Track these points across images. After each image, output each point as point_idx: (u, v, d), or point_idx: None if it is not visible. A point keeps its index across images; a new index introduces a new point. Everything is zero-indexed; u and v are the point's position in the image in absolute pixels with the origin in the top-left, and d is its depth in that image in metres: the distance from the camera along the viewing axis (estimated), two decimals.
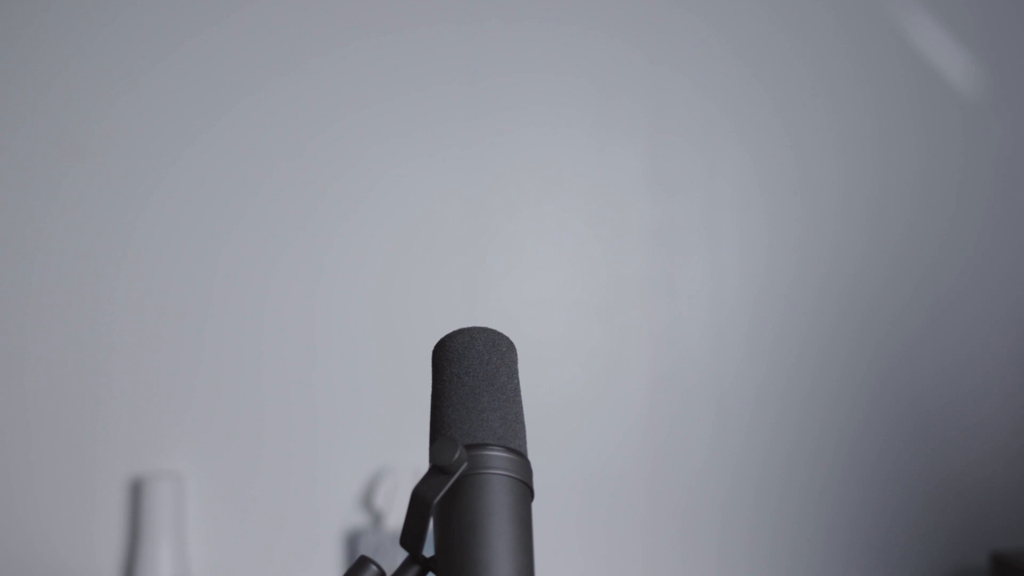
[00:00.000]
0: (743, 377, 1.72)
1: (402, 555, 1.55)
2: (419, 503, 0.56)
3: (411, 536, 0.58)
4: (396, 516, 1.58)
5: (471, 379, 0.62)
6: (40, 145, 1.49)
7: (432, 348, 1.54)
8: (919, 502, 1.78)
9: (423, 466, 1.61)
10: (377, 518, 1.56)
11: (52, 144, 1.49)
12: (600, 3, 1.67)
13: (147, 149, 1.52)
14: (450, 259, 1.62)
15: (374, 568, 0.59)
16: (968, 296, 1.80)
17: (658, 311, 1.68)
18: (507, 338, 0.65)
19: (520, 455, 0.60)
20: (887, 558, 1.77)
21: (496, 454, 0.58)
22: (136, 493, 1.52)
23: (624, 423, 1.67)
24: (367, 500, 1.59)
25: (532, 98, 1.64)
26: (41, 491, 1.49)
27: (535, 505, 1.64)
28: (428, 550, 1.50)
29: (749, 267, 1.72)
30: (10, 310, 1.48)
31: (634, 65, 1.68)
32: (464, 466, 0.58)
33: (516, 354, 0.68)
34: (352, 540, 1.57)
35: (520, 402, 0.64)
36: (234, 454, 1.55)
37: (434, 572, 0.57)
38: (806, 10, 1.74)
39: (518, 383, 0.64)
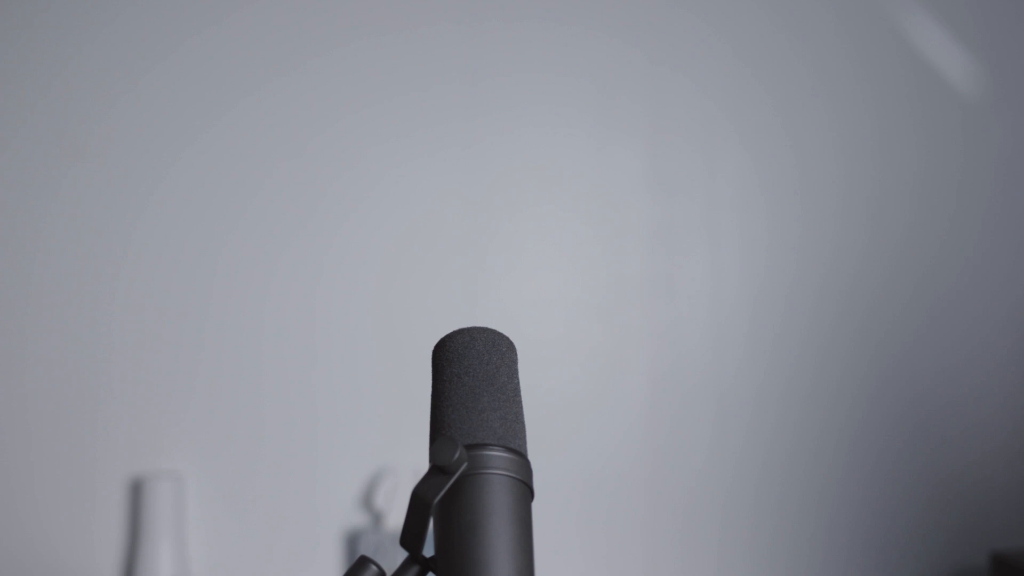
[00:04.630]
0: (743, 377, 1.72)
1: (402, 555, 1.55)
2: (419, 503, 0.56)
3: (411, 536, 0.58)
4: (396, 516, 1.58)
5: (471, 379, 0.62)
6: (40, 145, 1.49)
7: (432, 348, 1.54)
8: (919, 502, 1.78)
9: (423, 466, 1.61)
10: (377, 518, 1.56)
11: (52, 144, 1.49)
12: (600, 3, 1.66)
13: (147, 149, 1.52)
14: (450, 259, 1.62)
15: (374, 568, 0.59)
16: (968, 296, 1.80)
17: (658, 311, 1.68)
18: (507, 338, 0.65)
19: (520, 455, 0.60)
20: (887, 558, 1.77)
21: (496, 454, 0.58)
22: (136, 493, 1.52)
23: (624, 423, 1.67)
24: (367, 500, 1.59)
25: (532, 98, 1.64)
26: (41, 491, 1.49)
27: (535, 505, 1.64)
28: (428, 550, 1.50)
29: (749, 267, 1.72)
30: (10, 310, 1.48)
31: (634, 65, 1.67)
32: (464, 466, 0.58)
33: (516, 354, 0.68)
34: (352, 540, 1.57)
35: (520, 402, 0.63)
36: (234, 454, 1.55)
37: (434, 572, 0.57)
38: (806, 10, 1.74)
39: (518, 383, 0.64)
